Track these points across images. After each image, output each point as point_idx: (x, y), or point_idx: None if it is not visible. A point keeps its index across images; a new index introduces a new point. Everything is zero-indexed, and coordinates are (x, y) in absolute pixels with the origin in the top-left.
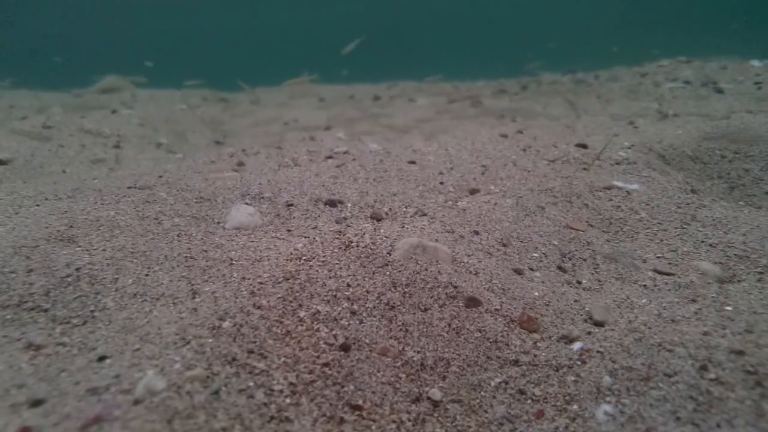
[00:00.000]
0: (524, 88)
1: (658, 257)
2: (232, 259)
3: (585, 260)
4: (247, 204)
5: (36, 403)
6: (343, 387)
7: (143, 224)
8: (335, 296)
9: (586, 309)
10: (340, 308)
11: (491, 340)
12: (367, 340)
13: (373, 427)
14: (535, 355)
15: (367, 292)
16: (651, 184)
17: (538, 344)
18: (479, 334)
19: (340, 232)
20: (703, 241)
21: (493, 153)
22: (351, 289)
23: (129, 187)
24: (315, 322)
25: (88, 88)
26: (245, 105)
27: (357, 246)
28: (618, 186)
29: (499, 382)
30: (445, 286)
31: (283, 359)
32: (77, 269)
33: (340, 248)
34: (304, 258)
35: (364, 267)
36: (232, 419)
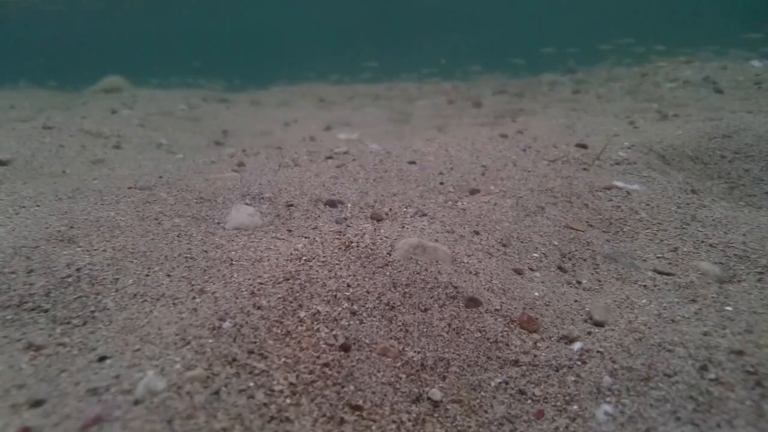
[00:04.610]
0: (524, 88)
1: (658, 257)
2: (232, 260)
3: (585, 260)
4: (247, 204)
5: (36, 403)
6: (343, 387)
7: (143, 224)
8: (335, 296)
9: (586, 309)
10: (340, 308)
11: (491, 340)
12: (367, 341)
13: (374, 428)
14: (535, 356)
15: (367, 292)
16: (651, 185)
17: (538, 344)
18: (479, 335)
19: (340, 232)
20: (703, 241)
21: (493, 153)
22: (351, 290)
23: (129, 188)
24: (315, 323)
25: (88, 88)
26: (245, 105)
27: (357, 246)
28: (618, 186)
29: (499, 383)
30: (445, 286)
31: (283, 359)
32: (77, 270)
33: (341, 248)
34: (305, 258)
35: (364, 267)
36: (233, 419)
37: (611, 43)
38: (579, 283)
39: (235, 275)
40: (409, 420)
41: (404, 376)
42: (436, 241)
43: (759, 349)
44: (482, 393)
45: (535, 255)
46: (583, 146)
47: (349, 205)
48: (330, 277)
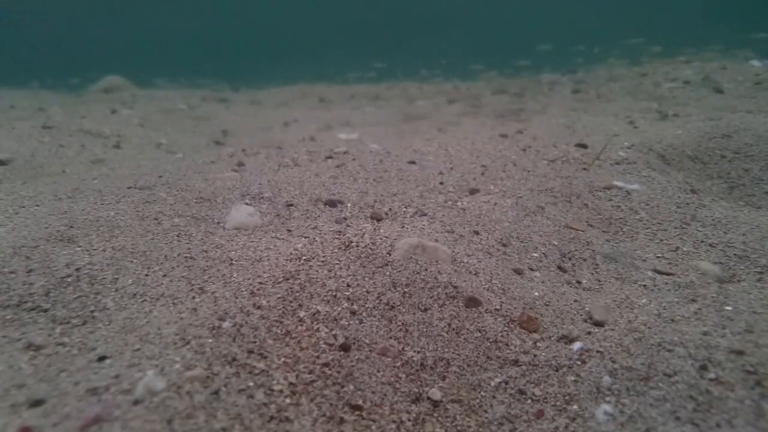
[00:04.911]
0: (523, 88)
1: (658, 257)
2: (232, 259)
3: (585, 260)
4: (247, 204)
5: (36, 403)
6: (343, 387)
7: (143, 224)
8: (335, 296)
9: (586, 309)
10: (339, 308)
11: (491, 340)
12: (367, 340)
13: (373, 427)
14: (535, 355)
15: (367, 292)
16: (651, 184)
17: (538, 344)
18: (479, 334)
19: (340, 232)
20: (703, 241)
21: (493, 153)
22: (351, 289)
23: (129, 188)
24: (315, 322)
25: (88, 88)
26: (245, 105)
27: (357, 246)
28: (618, 186)
29: (499, 382)
30: (445, 286)
31: (283, 359)
32: (77, 269)
33: (340, 248)
34: (304, 258)
35: (364, 267)
36: (232, 419)
37: (618, 43)
38: (579, 282)
39: (235, 275)
40: (409, 420)
41: (404, 375)
42: (436, 240)
43: (759, 348)
44: (482, 393)
45: (534, 255)
46: (583, 146)
47: (349, 204)
48: (330, 277)
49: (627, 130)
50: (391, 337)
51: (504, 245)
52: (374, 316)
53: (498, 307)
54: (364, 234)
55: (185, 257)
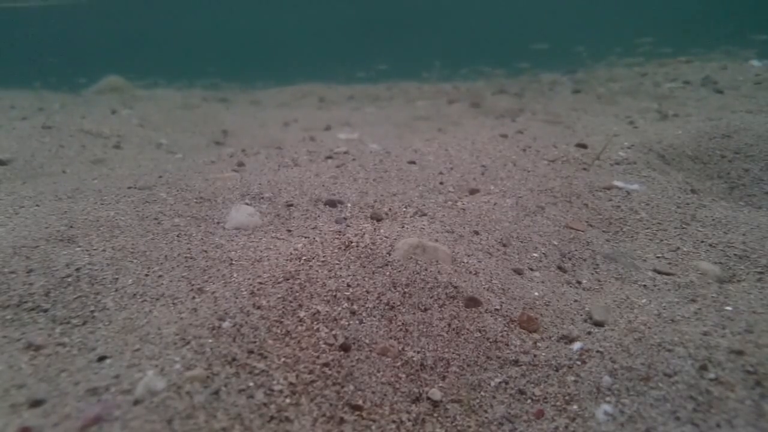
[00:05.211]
0: (524, 89)
1: (658, 257)
2: (232, 260)
3: (585, 260)
4: (247, 204)
5: (36, 403)
6: (343, 387)
7: (143, 224)
8: (335, 296)
9: (586, 309)
10: (339, 308)
11: (491, 340)
12: (367, 340)
13: (373, 427)
14: (535, 355)
15: (367, 292)
16: (651, 184)
17: (538, 344)
18: (479, 334)
19: (340, 232)
20: (703, 241)
21: (493, 153)
22: (351, 289)
23: (129, 188)
24: (315, 322)
25: (88, 88)
26: (245, 105)
27: (357, 246)
28: (618, 186)
29: (499, 382)
30: (444, 286)
31: (283, 359)
32: (77, 269)
33: (340, 248)
34: (304, 258)
35: (364, 267)
36: (232, 419)
37: (623, 43)
38: (579, 282)
39: (235, 275)
40: (409, 420)
41: (404, 375)
42: (436, 240)
43: (759, 348)
44: (482, 393)
45: (534, 255)
46: (583, 146)
47: (349, 204)
48: (330, 277)
49: (627, 130)
50: (391, 337)
51: (504, 245)
52: (374, 316)
53: (498, 307)
54: (364, 234)
55: (185, 257)
